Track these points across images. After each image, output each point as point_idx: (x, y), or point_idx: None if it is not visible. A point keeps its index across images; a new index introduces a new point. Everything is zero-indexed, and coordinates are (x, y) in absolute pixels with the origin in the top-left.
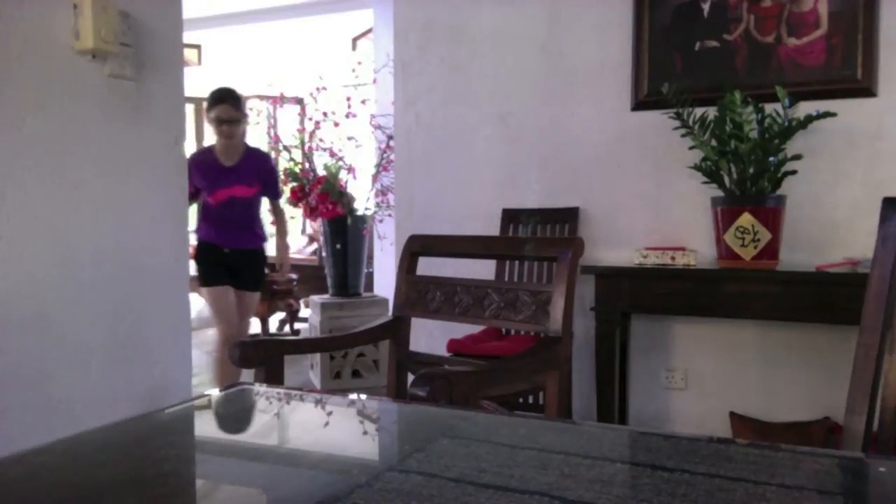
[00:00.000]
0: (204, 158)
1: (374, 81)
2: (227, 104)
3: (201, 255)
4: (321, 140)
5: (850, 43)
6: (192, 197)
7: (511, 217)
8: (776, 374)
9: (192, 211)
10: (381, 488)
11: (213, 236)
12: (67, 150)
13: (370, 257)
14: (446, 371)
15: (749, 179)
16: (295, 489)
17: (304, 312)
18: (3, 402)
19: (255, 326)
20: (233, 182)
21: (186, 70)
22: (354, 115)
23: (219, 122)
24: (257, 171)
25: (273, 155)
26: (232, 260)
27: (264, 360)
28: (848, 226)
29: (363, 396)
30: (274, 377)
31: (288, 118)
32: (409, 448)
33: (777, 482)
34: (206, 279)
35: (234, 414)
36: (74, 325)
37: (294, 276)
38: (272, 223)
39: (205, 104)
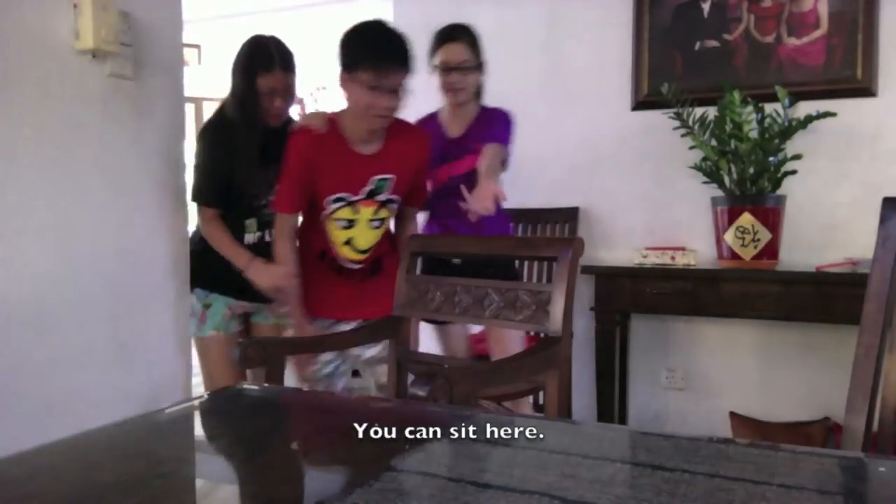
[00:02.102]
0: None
1: None
2: (458, 43)
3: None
4: None
5: (850, 43)
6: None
7: (511, 217)
8: (776, 374)
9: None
10: (381, 488)
11: None
12: (67, 150)
13: None
14: (446, 370)
15: (749, 179)
16: (295, 489)
17: None
18: (3, 402)
19: None
20: (455, 155)
21: (186, 70)
22: None
23: (445, 70)
24: (490, 135)
25: None
26: (465, 275)
27: (264, 360)
28: (848, 226)
29: (363, 396)
30: (274, 377)
31: None
32: (408, 448)
33: (777, 482)
34: None
35: (234, 414)
36: (74, 325)
37: None
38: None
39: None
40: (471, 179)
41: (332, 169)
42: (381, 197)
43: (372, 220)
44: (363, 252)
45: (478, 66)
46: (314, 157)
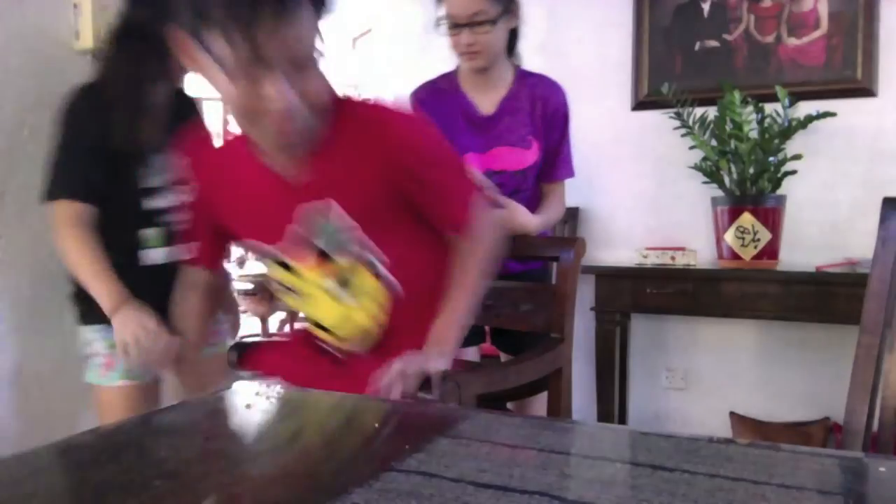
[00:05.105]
0: (441, 100)
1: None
2: None
3: None
4: None
5: (850, 43)
6: None
7: None
8: (776, 374)
9: None
10: (381, 488)
11: None
12: None
13: None
14: (456, 373)
15: (749, 179)
16: (295, 489)
17: None
18: (3, 402)
19: (255, 326)
20: (491, 143)
21: None
22: None
23: (453, 27)
24: (540, 115)
25: None
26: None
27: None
28: (848, 226)
29: (363, 396)
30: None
31: None
32: (409, 448)
33: (777, 482)
34: None
35: (234, 413)
36: (74, 325)
37: None
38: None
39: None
40: (514, 179)
41: (240, 198)
42: (332, 246)
43: (331, 288)
44: (341, 337)
45: (501, 14)
46: (212, 175)
